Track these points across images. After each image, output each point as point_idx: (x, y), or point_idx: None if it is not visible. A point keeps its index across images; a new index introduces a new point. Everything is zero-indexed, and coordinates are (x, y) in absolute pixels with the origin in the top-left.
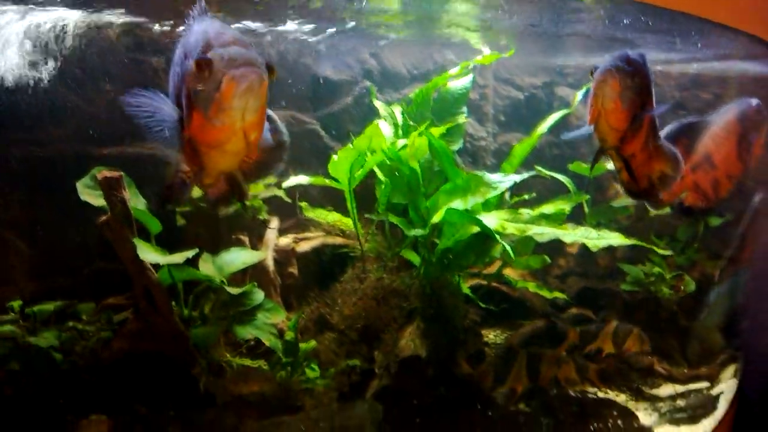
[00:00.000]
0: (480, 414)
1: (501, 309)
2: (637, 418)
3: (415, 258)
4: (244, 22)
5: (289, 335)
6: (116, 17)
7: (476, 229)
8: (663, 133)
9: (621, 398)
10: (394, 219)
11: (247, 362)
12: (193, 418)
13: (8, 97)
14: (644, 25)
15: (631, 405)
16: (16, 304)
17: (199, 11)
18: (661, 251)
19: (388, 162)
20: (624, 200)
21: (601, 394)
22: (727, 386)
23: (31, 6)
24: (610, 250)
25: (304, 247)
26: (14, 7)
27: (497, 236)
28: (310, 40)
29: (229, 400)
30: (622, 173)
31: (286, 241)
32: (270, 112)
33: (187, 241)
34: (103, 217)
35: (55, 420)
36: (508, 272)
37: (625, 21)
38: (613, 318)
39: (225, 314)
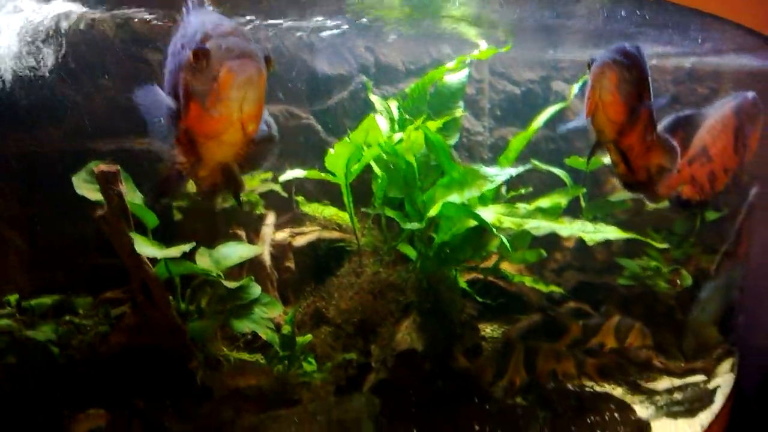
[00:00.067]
0: (477, 407)
1: (498, 303)
2: (634, 411)
3: (411, 252)
4: (248, 17)
5: (286, 329)
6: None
7: (473, 223)
8: (659, 126)
9: (618, 392)
10: (390, 213)
11: (244, 356)
12: (191, 412)
13: (3, 92)
14: (640, 18)
15: (629, 398)
16: (13, 298)
17: (196, 2)
18: (657, 244)
19: (384, 156)
20: (621, 194)
21: (598, 388)
22: (723, 380)
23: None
24: (606, 244)
25: (300, 241)
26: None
27: (494, 230)
28: (316, 35)
29: (227, 394)
30: (619, 166)
31: (282, 235)
32: None
33: (183, 236)
34: (100, 211)
35: (52, 414)
36: (505, 266)
37: (622, 13)
38: (614, 312)
39: (222, 308)
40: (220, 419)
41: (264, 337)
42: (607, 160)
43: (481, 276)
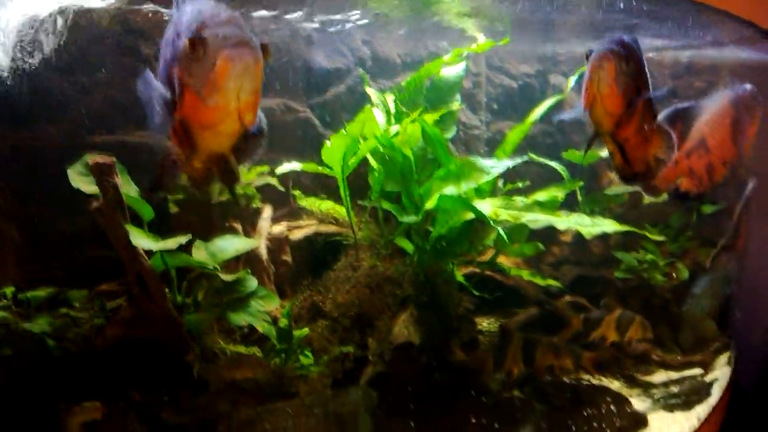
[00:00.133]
0: (474, 400)
1: (495, 297)
2: (630, 404)
3: (408, 246)
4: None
5: (283, 322)
6: None
7: (470, 215)
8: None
9: (615, 385)
10: (387, 205)
11: (241, 349)
12: (187, 404)
13: None
14: (638, 10)
15: (625, 392)
16: (9, 290)
17: None
18: (654, 236)
19: (381, 149)
20: (618, 188)
21: (595, 382)
22: (721, 373)
23: None
24: (603, 237)
25: (297, 235)
26: None
27: (491, 222)
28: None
29: (223, 387)
30: (615, 157)
31: (279, 229)
32: None
33: (179, 229)
34: (95, 203)
35: (48, 406)
36: (502, 260)
37: (621, 5)
38: (615, 306)
39: (218, 301)
40: (216, 412)
41: (261, 329)
42: (604, 153)
43: (478, 270)
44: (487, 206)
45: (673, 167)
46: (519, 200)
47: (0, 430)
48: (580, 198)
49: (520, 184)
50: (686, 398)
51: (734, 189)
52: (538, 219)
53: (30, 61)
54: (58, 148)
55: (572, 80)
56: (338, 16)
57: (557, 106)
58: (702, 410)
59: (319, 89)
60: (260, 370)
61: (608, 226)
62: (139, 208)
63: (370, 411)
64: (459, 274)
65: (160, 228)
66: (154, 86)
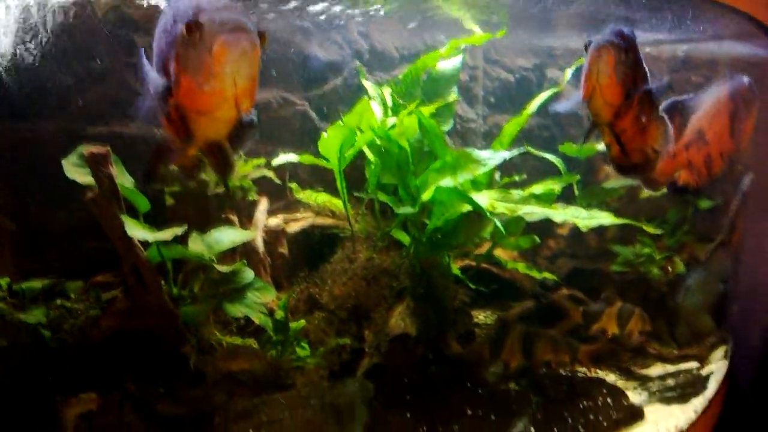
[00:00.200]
0: (470, 392)
1: (491, 290)
2: (627, 397)
3: (404, 238)
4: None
5: (279, 314)
6: None
7: (466, 207)
8: None
9: (611, 378)
10: (383, 197)
11: (238, 340)
12: (183, 396)
13: None
14: (636, 3)
15: (621, 384)
16: (4, 281)
17: None
18: (651, 229)
19: (377, 141)
20: (615, 182)
21: (591, 374)
22: (717, 367)
23: None
24: (600, 231)
25: (294, 227)
26: None
27: (487, 213)
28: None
29: (220, 378)
30: (612, 149)
31: (275, 221)
32: None
33: (176, 221)
34: (90, 194)
35: (43, 397)
36: (498, 253)
37: None
38: (614, 298)
39: (215, 292)
40: (212, 403)
41: (257, 321)
42: (601, 147)
43: (474, 263)
44: (483, 198)
45: (671, 160)
46: (515, 193)
47: None
48: (577, 192)
49: (516, 178)
50: (682, 391)
51: (731, 184)
52: (534, 212)
53: (26, 51)
54: (53, 140)
55: (569, 72)
56: (337, 8)
57: (554, 99)
58: (698, 403)
59: (316, 82)
60: (257, 362)
61: (605, 218)
62: (134, 200)
63: (366, 402)
64: (455, 267)
65: (156, 220)
66: (149, 72)
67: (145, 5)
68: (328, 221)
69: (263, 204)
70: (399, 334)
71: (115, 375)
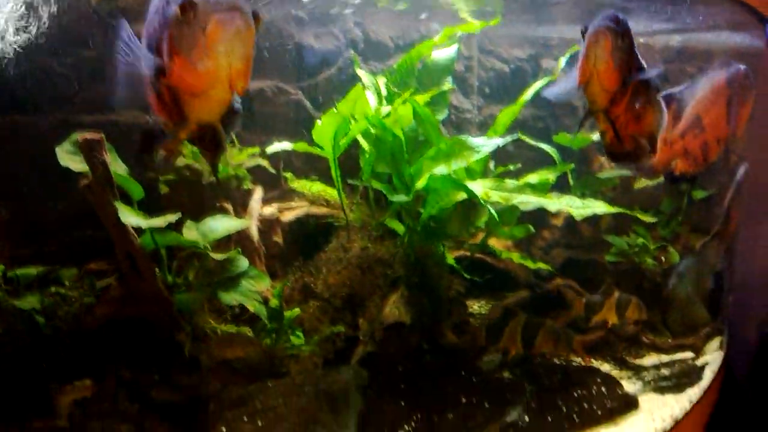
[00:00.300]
0: (465, 380)
1: (485, 280)
2: (621, 386)
3: (399, 227)
4: None
5: (274, 302)
6: None
7: (461, 196)
8: None
9: (605, 367)
10: (377, 185)
11: (232, 329)
12: (178, 383)
13: None
14: None
15: (616, 374)
16: None
17: None
18: (645, 218)
19: (372, 130)
20: (610, 172)
21: (585, 364)
22: (712, 357)
23: None
24: (594, 221)
25: (288, 216)
26: None
27: (482, 201)
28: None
29: (214, 366)
30: (607, 135)
31: (270, 210)
32: None
33: (170, 209)
34: (84, 181)
35: (38, 384)
36: (493, 243)
37: None
38: (612, 289)
39: (209, 280)
40: (207, 391)
41: (251, 309)
42: (595, 137)
43: (468, 253)
44: (478, 187)
45: (668, 148)
46: (510, 182)
47: None
48: (571, 182)
49: (511, 167)
50: (677, 381)
51: (726, 175)
52: (529, 201)
53: (19, 40)
54: (47, 128)
55: (563, 61)
56: None
57: (546, 86)
58: (693, 393)
59: (310, 71)
60: (251, 350)
61: (599, 207)
62: (128, 187)
63: (360, 390)
64: (450, 257)
65: (150, 208)
66: (140, 52)
67: None
68: (322, 210)
69: (258, 193)
70: (393, 323)
71: (110, 362)
